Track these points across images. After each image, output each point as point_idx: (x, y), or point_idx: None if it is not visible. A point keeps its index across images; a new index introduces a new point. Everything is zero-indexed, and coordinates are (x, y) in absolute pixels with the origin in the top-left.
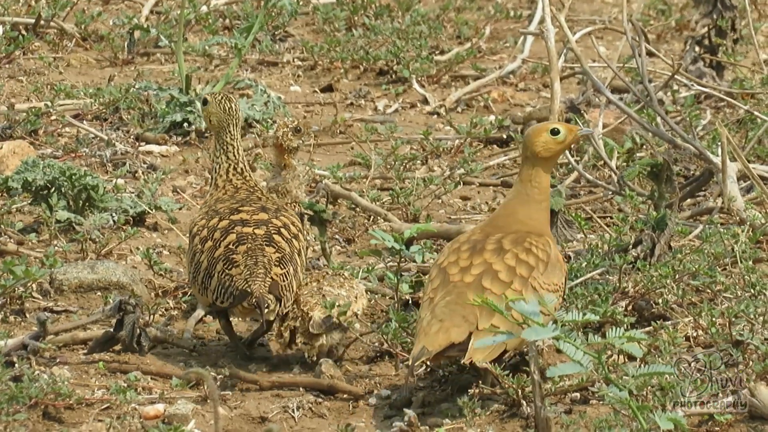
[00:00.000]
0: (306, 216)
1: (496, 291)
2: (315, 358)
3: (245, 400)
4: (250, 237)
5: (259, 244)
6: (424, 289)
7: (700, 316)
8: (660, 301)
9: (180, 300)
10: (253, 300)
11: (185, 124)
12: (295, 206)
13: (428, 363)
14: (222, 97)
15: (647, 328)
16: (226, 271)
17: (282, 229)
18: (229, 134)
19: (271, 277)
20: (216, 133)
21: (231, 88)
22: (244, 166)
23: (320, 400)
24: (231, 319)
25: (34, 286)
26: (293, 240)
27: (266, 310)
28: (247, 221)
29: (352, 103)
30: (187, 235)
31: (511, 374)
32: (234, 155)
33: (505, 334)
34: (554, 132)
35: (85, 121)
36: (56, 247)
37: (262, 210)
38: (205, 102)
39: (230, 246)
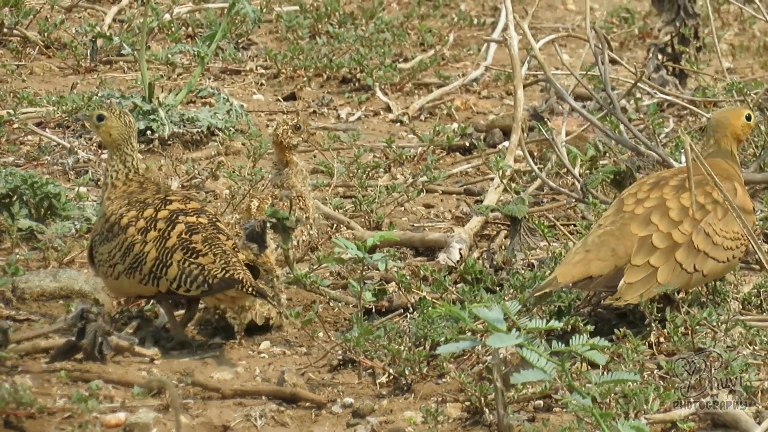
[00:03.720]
0: (269, 223)
1: (663, 229)
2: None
3: (207, 409)
4: (200, 226)
5: (212, 233)
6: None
7: (663, 325)
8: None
9: (143, 308)
10: (249, 287)
11: (148, 132)
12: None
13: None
14: (120, 112)
15: (610, 336)
16: (191, 260)
17: (216, 216)
18: (129, 146)
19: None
20: (115, 147)
21: (194, 96)
22: (139, 171)
23: (283, 408)
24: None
25: None
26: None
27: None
28: (185, 210)
29: (315, 111)
30: (105, 225)
31: (473, 381)
32: (132, 164)
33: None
34: (748, 117)
35: (47, 129)
36: (18, 256)
37: (189, 198)
38: (101, 118)
39: (183, 235)
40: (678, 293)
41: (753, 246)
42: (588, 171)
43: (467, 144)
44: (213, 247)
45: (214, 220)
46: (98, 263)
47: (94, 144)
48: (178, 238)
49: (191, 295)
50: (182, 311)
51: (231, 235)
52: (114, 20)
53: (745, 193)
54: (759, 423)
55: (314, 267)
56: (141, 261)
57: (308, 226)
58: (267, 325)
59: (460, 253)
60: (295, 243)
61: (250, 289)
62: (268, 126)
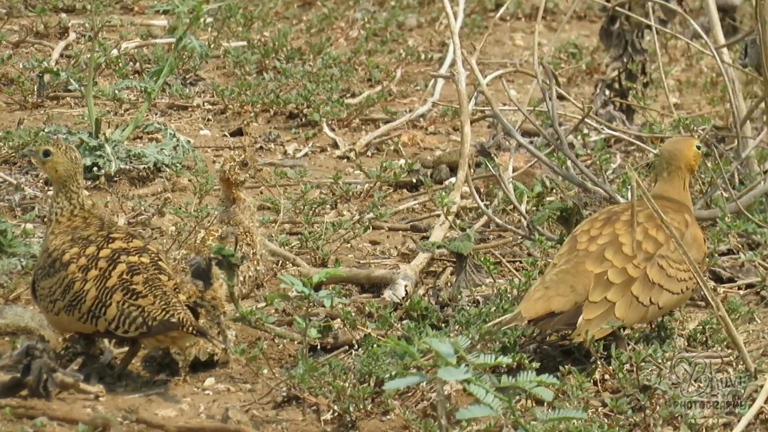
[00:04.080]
0: (214, 260)
1: (618, 264)
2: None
3: None
4: (141, 266)
5: (153, 273)
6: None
7: (608, 362)
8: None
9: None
10: (189, 327)
11: (95, 169)
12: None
13: (528, 329)
14: (66, 148)
15: (555, 373)
16: (130, 301)
17: (159, 255)
18: (75, 182)
19: (186, 305)
20: (61, 183)
21: (140, 132)
22: (84, 207)
23: None
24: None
25: None
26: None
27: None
28: (127, 249)
29: (262, 147)
30: (47, 260)
31: (418, 418)
32: (77, 201)
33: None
34: (699, 147)
35: None
36: None
37: (132, 236)
38: (47, 153)
39: (124, 276)
40: (623, 330)
41: (699, 283)
42: (535, 207)
43: (414, 180)
44: (153, 288)
45: (156, 259)
46: (39, 297)
47: (41, 180)
48: (119, 278)
49: (130, 336)
50: (126, 348)
51: (173, 275)
52: (61, 55)
53: (697, 225)
54: None
55: (260, 306)
56: (80, 299)
57: (255, 263)
58: (211, 361)
59: (406, 290)
60: (241, 279)
61: (191, 329)
62: (215, 162)
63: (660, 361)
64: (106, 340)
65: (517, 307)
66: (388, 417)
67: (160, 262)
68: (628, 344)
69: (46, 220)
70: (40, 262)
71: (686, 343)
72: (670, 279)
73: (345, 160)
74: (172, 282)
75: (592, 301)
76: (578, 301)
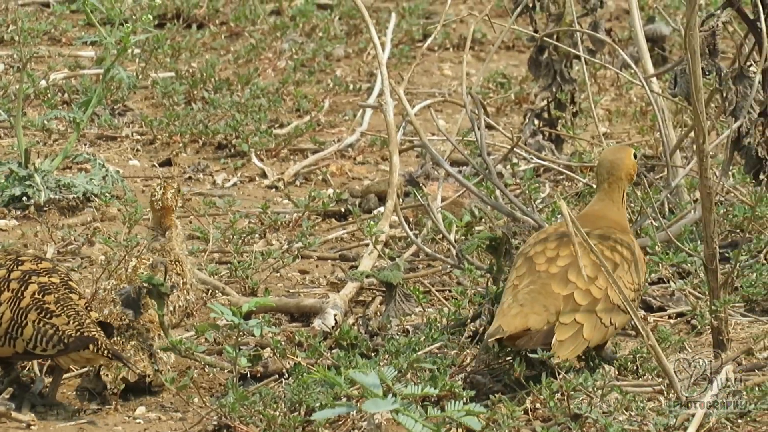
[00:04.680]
0: (144, 290)
1: (582, 285)
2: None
3: None
4: (52, 286)
5: (64, 293)
6: (508, 276)
7: (539, 391)
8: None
9: (20, 373)
10: (104, 349)
11: (24, 198)
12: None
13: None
14: None
15: (485, 401)
16: (45, 320)
17: (68, 275)
18: None
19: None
20: None
21: (70, 162)
22: None
23: None
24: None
25: None
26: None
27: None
28: (37, 270)
29: (190, 177)
30: None
31: None
32: None
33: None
34: (635, 155)
35: None
36: None
37: (41, 258)
38: None
39: (36, 296)
40: (553, 358)
41: (629, 312)
42: (464, 237)
43: (343, 210)
44: (66, 308)
45: (66, 279)
46: None
47: None
48: (32, 298)
49: (48, 354)
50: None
51: (83, 294)
52: None
53: (637, 244)
54: None
55: (190, 334)
56: None
57: (185, 292)
58: (144, 383)
59: (335, 319)
60: (171, 308)
61: (105, 351)
62: (143, 191)
63: (591, 389)
64: (36, 368)
65: (495, 321)
66: None
67: (70, 282)
68: (559, 373)
69: None
70: None
71: (617, 372)
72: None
73: (274, 189)
74: (83, 301)
75: (562, 322)
76: (551, 321)
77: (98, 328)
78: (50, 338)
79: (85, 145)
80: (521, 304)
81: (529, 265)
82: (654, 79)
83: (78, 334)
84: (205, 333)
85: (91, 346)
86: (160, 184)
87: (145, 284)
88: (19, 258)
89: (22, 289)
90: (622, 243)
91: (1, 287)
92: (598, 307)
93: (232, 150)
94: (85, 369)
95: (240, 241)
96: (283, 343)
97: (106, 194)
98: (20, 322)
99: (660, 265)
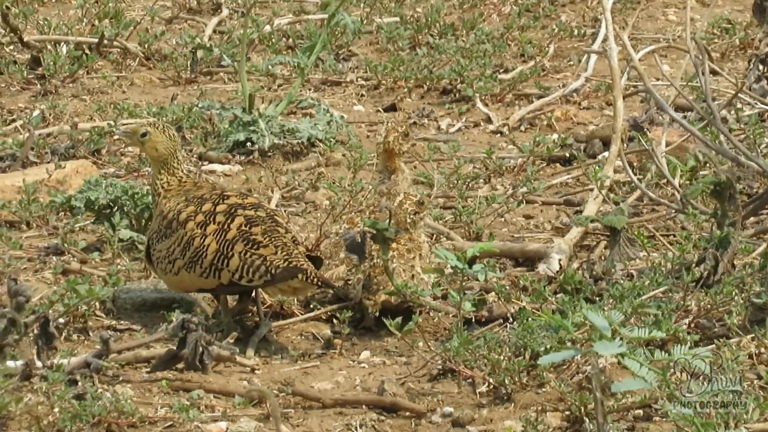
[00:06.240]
0: (369, 234)
1: None
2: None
3: (308, 418)
4: (258, 218)
5: (271, 226)
6: None
7: (763, 335)
8: (725, 318)
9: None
10: (314, 278)
11: (248, 144)
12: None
13: None
14: (164, 127)
15: (710, 346)
16: (252, 251)
17: (275, 212)
18: (176, 159)
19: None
20: (161, 161)
21: (294, 107)
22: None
23: (383, 417)
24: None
25: (97, 304)
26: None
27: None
28: (243, 204)
29: (415, 123)
30: (163, 222)
31: (573, 391)
32: (181, 174)
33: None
34: None
35: None
36: (119, 266)
37: (246, 194)
38: (145, 134)
39: (243, 227)
40: None
41: None
42: (688, 182)
43: (567, 155)
44: (273, 238)
45: (271, 213)
46: (156, 261)
47: (195, 155)
48: (238, 230)
49: (254, 285)
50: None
51: (290, 228)
52: (214, 31)
53: None
54: None
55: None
56: (201, 254)
57: None
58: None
59: (560, 264)
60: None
61: (315, 280)
62: (368, 137)
63: None
64: (261, 312)
65: None
66: (543, 390)
67: (276, 217)
68: None
69: (151, 197)
70: (154, 226)
71: None
72: None
73: (498, 134)
74: (290, 235)
75: None
76: None
77: (306, 259)
78: (257, 269)
79: (310, 90)
80: None
81: None
82: None
83: (286, 264)
84: (429, 277)
85: (300, 276)
86: (385, 127)
87: (370, 229)
88: (225, 193)
89: (229, 221)
90: None
91: (207, 220)
92: None
93: (457, 95)
94: (312, 314)
95: (464, 186)
96: (507, 287)
97: (331, 139)
98: (226, 254)
99: None
